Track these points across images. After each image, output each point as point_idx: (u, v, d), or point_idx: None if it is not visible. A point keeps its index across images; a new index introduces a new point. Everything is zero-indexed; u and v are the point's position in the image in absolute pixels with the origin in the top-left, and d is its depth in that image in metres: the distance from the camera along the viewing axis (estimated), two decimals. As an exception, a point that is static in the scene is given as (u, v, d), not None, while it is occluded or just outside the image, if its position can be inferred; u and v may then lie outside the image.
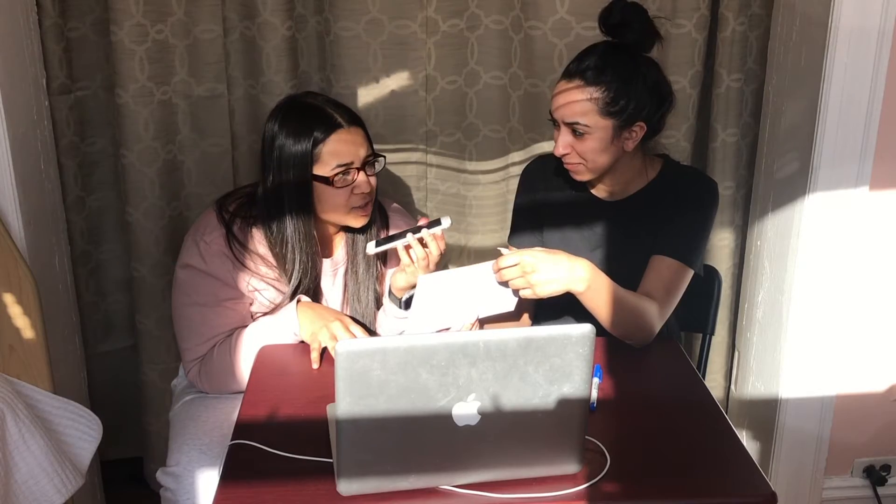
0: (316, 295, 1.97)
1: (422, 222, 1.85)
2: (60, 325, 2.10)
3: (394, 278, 1.91)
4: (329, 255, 2.02)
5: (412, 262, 1.83)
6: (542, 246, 2.06)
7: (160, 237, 2.31)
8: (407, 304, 1.92)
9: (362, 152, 1.88)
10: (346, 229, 1.98)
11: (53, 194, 2.14)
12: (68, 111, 2.25)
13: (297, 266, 1.91)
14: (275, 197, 1.89)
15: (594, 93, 1.82)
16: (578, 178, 1.93)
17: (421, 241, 1.82)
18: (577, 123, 1.83)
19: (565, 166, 1.92)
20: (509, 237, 2.12)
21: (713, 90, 2.35)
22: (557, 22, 2.27)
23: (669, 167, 2.00)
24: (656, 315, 1.84)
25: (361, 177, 1.88)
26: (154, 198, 2.27)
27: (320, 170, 1.85)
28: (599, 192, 2.01)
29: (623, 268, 1.92)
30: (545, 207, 2.06)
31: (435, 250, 1.83)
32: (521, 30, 2.30)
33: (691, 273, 1.92)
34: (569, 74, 1.87)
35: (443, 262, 1.96)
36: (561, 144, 1.87)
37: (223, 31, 2.24)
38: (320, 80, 2.32)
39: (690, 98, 2.34)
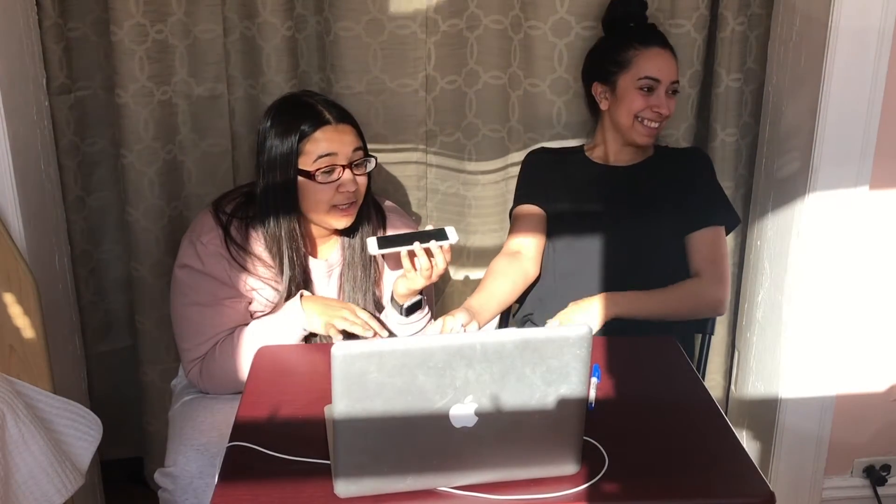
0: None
1: (427, 228, 1.85)
2: (60, 325, 2.10)
3: (395, 284, 1.90)
4: (323, 256, 2.01)
5: (415, 270, 1.83)
6: (548, 222, 2.19)
7: (160, 237, 2.31)
8: (408, 310, 1.91)
9: (349, 148, 1.86)
10: (341, 231, 1.97)
11: (53, 194, 2.14)
12: (68, 111, 2.25)
13: (285, 262, 1.91)
14: (265, 194, 1.89)
15: (675, 57, 2.14)
16: (651, 141, 2.16)
17: (427, 251, 1.82)
18: (677, 82, 2.13)
19: (652, 126, 2.11)
20: (513, 207, 2.24)
21: (713, 90, 2.34)
22: (557, 22, 2.27)
23: (660, 146, 2.28)
24: (708, 285, 2.06)
25: (347, 174, 1.86)
26: (154, 198, 2.28)
27: (304, 163, 1.85)
28: (607, 160, 2.22)
29: (635, 227, 2.10)
30: (551, 184, 2.19)
31: (441, 263, 1.83)
32: (520, 29, 2.30)
33: (723, 229, 2.14)
34: (658, 42, 2.13)
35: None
36: (666, 105, 2.10)
37: (223, 31, 2.24)
38: (320, 80, 2.32)
39: (690, 98, 2.34)
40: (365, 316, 1.84)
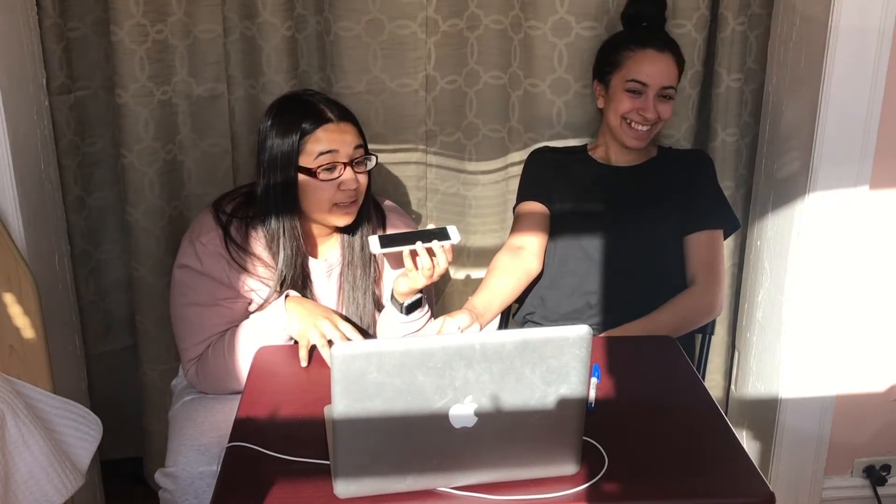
0: (309, 297, 1.97)
1: (429, 227, 1.84)
2: (60, 325, 2.10)
3: (396, 283, 1.90)
4: (323, 256, 2.01)
5: (416, 269, 1.82)
6: (551, 218, 2.20)
7: (160, 237, 2.31)
8: (409, 309, 1.91)
9: (350, 147, 1.87)
10: (342, 230, 1.97)
11: (53, 194, 2.14)
12: (68, 111, 2.25)
13: (280, 260, 1.90)
14: (266, 193, 1.89)
15: (677, 62, 2.13)
16: (640, 144, 2.14)
17: (428, 250, 1.81)
18: (672, 88, 2.11)
19: (640, 130, 2.10)
20: (516, 205, 2.24)
21: (713, 90, 2.34)
22: (557, 22, 2.27)
23: (663, 147, 2.29)
24: (700, 292, 2.08)
25: (348, 172, 1.87)
26: (154, 198, 2.28)
27: (305, 161, 1.85)
28: (609, 159, 2.23)
29: (635, 227, 2.11)
30: (554, 182, 2.20)
31: (443, 262, 1.82)
32: (520, 29, 2.30)
33: (720, 232, 2.15)
34: (656, 45, 2.10)
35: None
36: (657, 109, 2.09)
37: (223, 31, 2.24)
38: (320, 80, 2.32)
39: (690, 98, 2.34)
40: (346, 328, 1.80)
